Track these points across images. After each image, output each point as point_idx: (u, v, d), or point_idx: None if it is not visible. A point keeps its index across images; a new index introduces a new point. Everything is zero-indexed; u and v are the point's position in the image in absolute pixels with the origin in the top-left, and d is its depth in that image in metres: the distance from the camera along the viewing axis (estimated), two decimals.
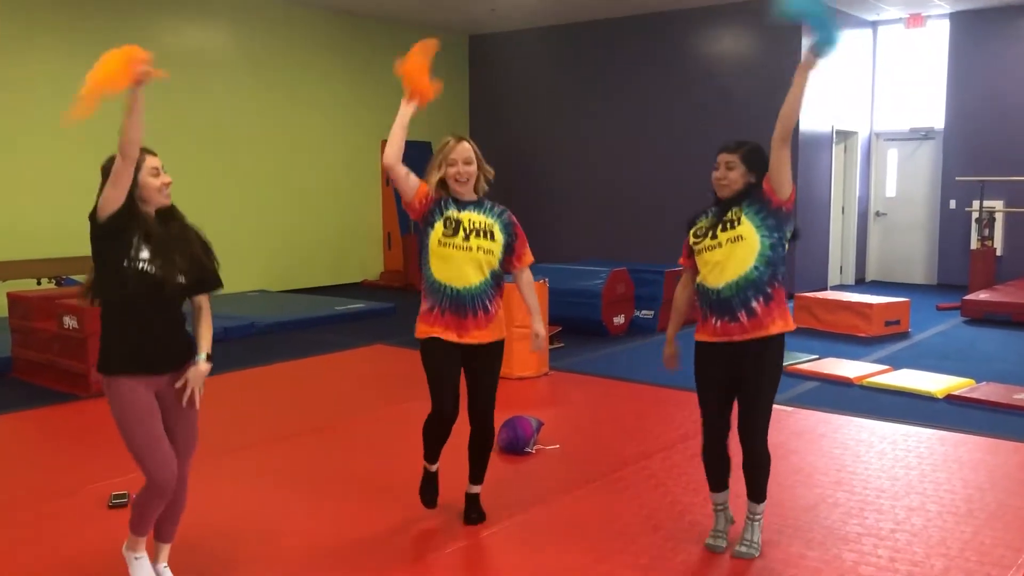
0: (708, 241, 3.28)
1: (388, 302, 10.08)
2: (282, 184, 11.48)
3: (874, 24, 12.10)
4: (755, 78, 11.00)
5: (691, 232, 3.40)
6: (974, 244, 10.98)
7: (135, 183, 2.84)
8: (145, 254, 2.86)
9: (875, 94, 12.35)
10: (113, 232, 2.83)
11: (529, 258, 3.70)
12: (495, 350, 3.60)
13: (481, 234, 3.53)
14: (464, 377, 3.59)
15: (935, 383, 6.15)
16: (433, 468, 3.70)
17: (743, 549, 3.37)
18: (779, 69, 10.78)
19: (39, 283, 8.23)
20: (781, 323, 3.25)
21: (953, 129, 11.53)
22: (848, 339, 8.04)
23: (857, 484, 4.22)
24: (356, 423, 5.40)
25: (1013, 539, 3.57)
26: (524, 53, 13.26)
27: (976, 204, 10.77)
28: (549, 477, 4.36)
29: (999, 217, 11.02)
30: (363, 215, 12.59)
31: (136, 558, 3.04)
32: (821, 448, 4.80)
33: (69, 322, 6.11)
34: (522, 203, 13.19)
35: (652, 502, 3.98)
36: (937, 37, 11.63)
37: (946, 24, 11.46)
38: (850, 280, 12.35)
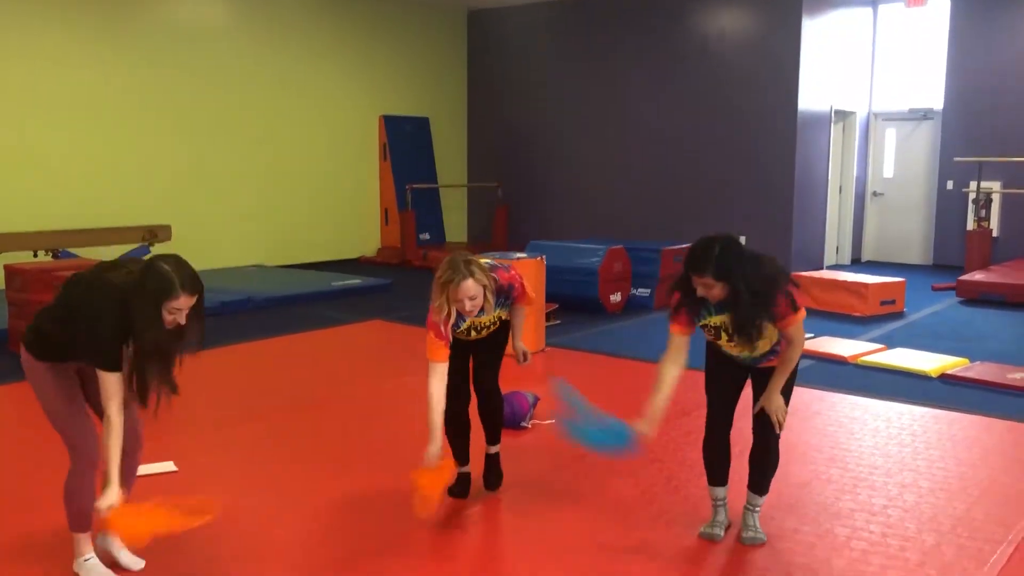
0: (724, 340, 3.15)
1: (385, 278, 10.08)
2: (279, 159, 11.43)
3: (874, 3, 12.04)
4: (754, 54, 10.97)
5: (692, 315, 3.13)
6: (970, 225, 10.98)
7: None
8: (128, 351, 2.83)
9: (874, 74, 12.31)
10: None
11: (529, 299, 3.66)
12: (496, 332, 3.66)
13: (488, 326, 3.60)
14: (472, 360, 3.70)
15: (929, 362, 6.18)
16: (464, 469, 3.77)
17: (751, 534, 3.34)
18: (778, 46, 10.75)
19: (35, 255, 8.21)
20: None
21: (952, 110, 11.50)
22: (843, 318, 8.06)
23: (850, 461, 4.26)
24: (354, 397, 5.42)
25: (1005, 515, 3.60)
26: (523, 28, 13.19)
27: (973, 185, 10.76)
28: (544, 451, 4.38)
29: (996, 198, 11.01)
30: (360, 191, 12.56)
31: (85, 560, 3.00)
32: (815, 426, 4.83)
33: None
34: (520, 180, 13.19)
35: (648, 477, 4.01)
36: (937, 16, 11.58)
37: (947, 3, 11.40)
38: (846, 260, 12.36)
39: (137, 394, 2.81)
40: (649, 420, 3.13)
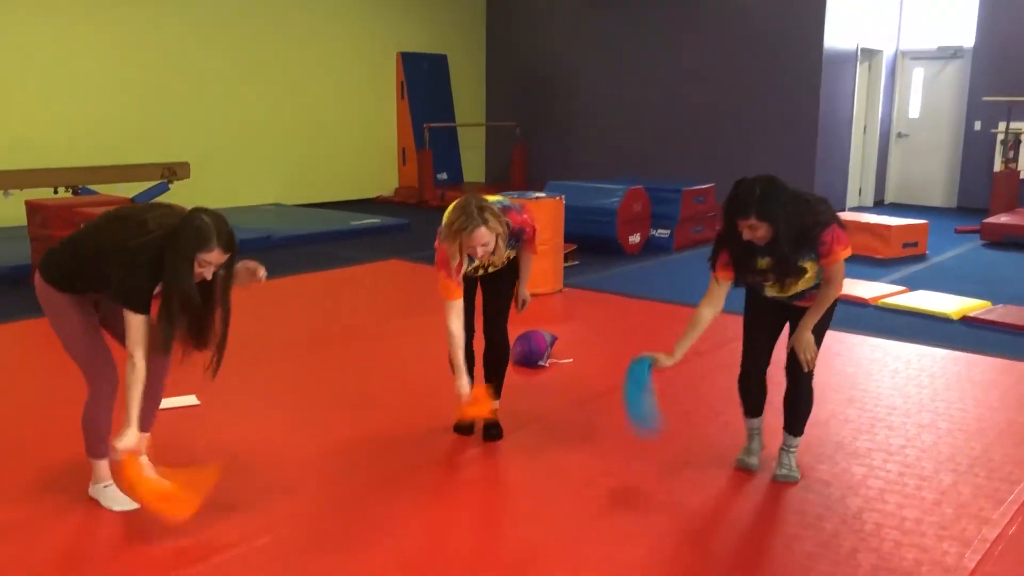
0: (771, 283, 3.11)
1: (403, 218, 10.06)
2: (297, 98, 11.34)
3: None
4: None
5: (739, 261, 3.11)
6: (997, 166, 10.80)
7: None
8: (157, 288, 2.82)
9: (903, 11, 12.00)
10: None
11: (535, 248, 3.65)
12: (503, 270, 3.62)
13: (498, 265, 3.57)
14: (480, 297, 3.67)
15: (951, 304, 6.13)
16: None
17: (783, 471, 3.35)
18: None
19: (56, 192, 8.23)
20: None
21: (983, 47, 11.22)
22: (865, 260, 7.98)
23: (868, 402, 4.25)
24: (372, 335, 5.45)
25: (1022, 456, 3.60)
26: None
27: (1002, 125, 10.55)
28: (562, 390, 4.40)
29: None
30: (378, 130, 12.46)
31: (104, 487, 3.04)
32: (834, 366, 4.81)
33: None
34: (539, 119, 13.04)
35: (664, 412, 4.00)
36: None
37: None
38: (869, 202, 12.21)
39: (162, 341, 2.81)
40: (674, 354, 3.22)
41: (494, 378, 3.76)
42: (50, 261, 2.94)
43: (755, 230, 2.96)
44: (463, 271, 3.41)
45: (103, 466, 3.05)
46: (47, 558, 2.76)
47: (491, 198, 3.48)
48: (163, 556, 2.78)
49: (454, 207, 3.31)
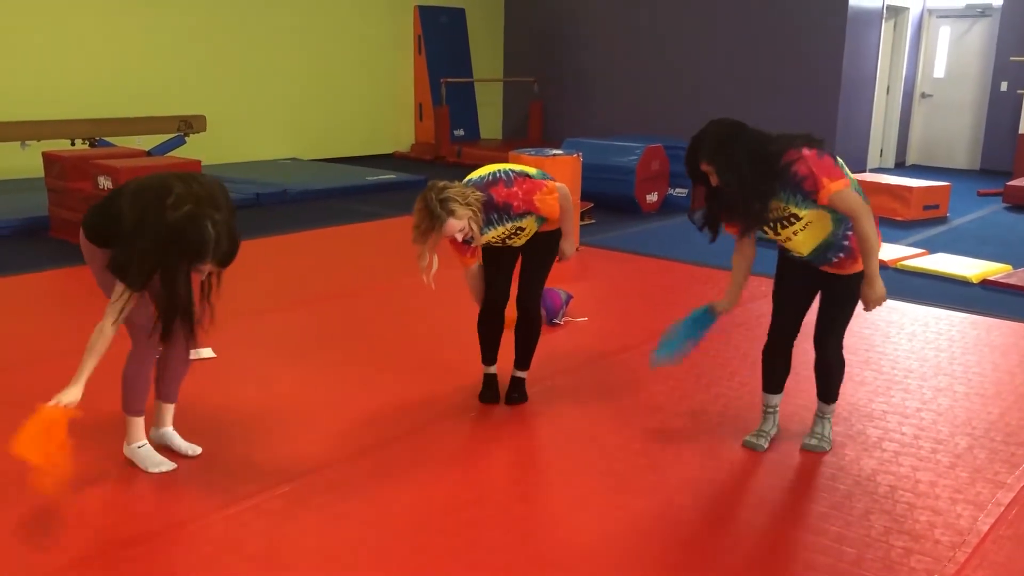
0: (772, 235, 3.02)
1: (419, 174, 10.01)
2: (314, 52, 11.25)
3: None
4: None
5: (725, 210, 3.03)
6: (1023, 128, 10.62)
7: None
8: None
9: None
10: None
11: (555, 210, 3.41)
12: (544, 238, 3.50)
13: (512, 237, 3.43)
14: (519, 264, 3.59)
15: (971, 268, 6.07)
16: (491, 370, 3.71)
17: (813, 442, 3.28)
18: None
19: (73, 144, 8.24)
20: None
21: (1012, 6, 10.98)
22: (885, 222, 7.87)
23: (885, 364, 4.23)
24: (387, 289, 5.45)
25: None
26: None
27: None
28: (576, 347, 4.40)
29: None
30: (395, 85, 12.37)
31: (139, 447, 3.04)
32: (851, 328, 4.74)
33: (104, 182, 6.14)
34: (557, 75, 12.90)
35: (678, 372, 4.02)
36: None
37: None
38: (890, 163, 12.06)
39: (160, 332, 2.82)
40: (727, 299, 3.22)
41: (523, 349, 3.68)
42: (88, 221, 2.93)
43: (711, 174, 2.90)
44: (476, 244, 3.35)
45: (137, 425, 3.04)
46: (83, 510, 2.80)
47: (478, 172, 3.37)
48: (180, 507, 2.81)
49: (416, 208, 3.18)
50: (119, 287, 2.75)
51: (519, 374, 3.73)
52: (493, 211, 3.28)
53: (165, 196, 2.65)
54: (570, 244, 3.61)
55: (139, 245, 2.68)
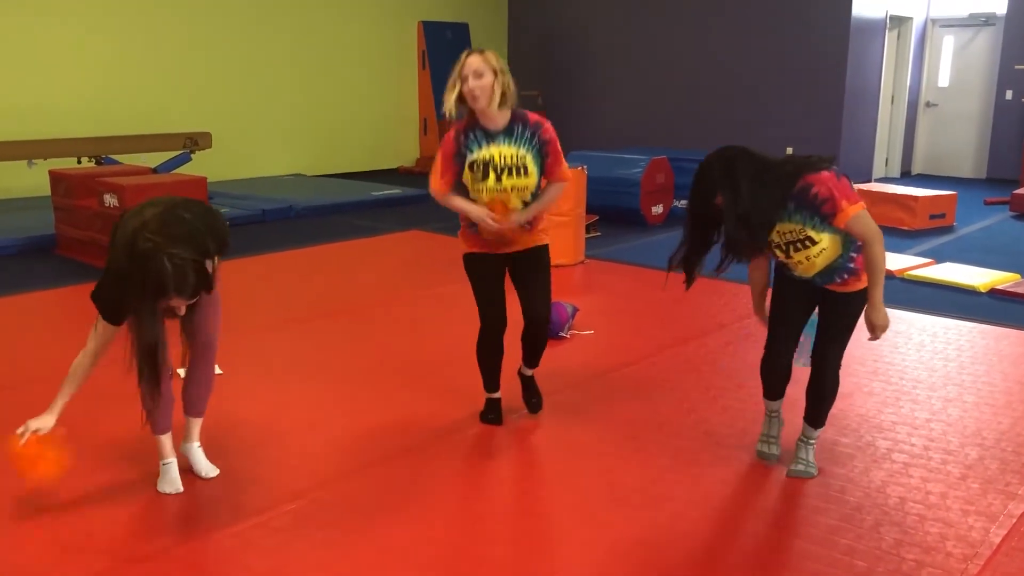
0: (784, 259, 3.00)
1: (424, 188, 9.99)
2: (319, 68, 11.31)
3: None
4: None
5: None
6: None
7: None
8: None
9: None
10: None
11: (564, 175, 3.39)
12: (537, 254, 3.45)
13: (514, 172, 3.27)
14: (515, 287, 3.49)
15: (978, 277, 6.04)
16: (495, 396, 3.64)
17: (800, 467, 3.19)
18: None
19: (79, 162, 8.27)
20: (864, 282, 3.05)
21: (1016, 14, 10.98)
22: (891, 232, 7.87)
23: (894, 375, 4.20)
24: (392, 305, 5.45)
25: None
26: None
27: None
28: (582, 361, 4.38)
29: None
30: (399, 101, 12.41)
31: (164, 464, 3.02)
32: (858, 338, 4.70)
33: (110, 200, 6.16)
34: (561, 88, 12.93)
35: (684, 385, 4.00)
36: None
37: None
38: (895, 173, 12.04)
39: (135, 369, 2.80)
40: (758, 313, 3.29)
41: (532, 354, 3.60)
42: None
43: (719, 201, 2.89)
44: (465, 159, 3.24)
45: (163, 442, 3.01)
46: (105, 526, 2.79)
47: None
48: (188, 525, 2.81)
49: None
50: (98, 320, 2.78)
51: (527, 372, 3.68)
52: (519, 122, 3.26)
53: (137, 231, 2.64)
54: (526, 214, 3.37)
55: (106, 279, 2.72)
